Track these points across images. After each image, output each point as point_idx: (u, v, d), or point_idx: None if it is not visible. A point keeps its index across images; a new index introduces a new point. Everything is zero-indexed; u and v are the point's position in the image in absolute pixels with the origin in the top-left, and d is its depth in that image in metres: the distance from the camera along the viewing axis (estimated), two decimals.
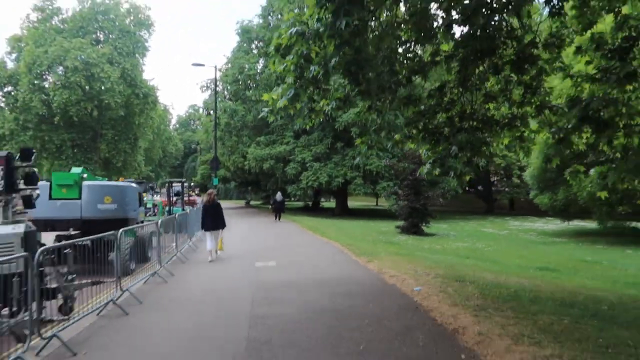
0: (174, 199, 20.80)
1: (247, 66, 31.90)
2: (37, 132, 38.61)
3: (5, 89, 40.17)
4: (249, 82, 32.38)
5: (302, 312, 6.25)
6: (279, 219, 24.02)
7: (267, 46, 32.79)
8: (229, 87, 33.83)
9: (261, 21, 35.17)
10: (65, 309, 5.90)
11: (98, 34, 42.91)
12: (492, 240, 18.68)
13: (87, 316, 5.82)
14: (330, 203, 49.83)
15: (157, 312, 6.41)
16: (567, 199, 19.25)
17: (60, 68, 38.51)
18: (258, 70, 32.90)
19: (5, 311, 5.00)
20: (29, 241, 6.33)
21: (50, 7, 42.02)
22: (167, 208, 19.04)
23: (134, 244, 9.48)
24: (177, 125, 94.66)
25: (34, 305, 4.84)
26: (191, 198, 27.60)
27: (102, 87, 38.22)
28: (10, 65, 41.31)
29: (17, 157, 6.78)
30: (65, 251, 5.91)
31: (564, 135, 6.75)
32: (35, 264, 4.86)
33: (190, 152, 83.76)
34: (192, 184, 41.10)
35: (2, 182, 6.50)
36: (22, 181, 6.87)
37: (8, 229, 6.16)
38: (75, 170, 10.54)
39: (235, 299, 7.06)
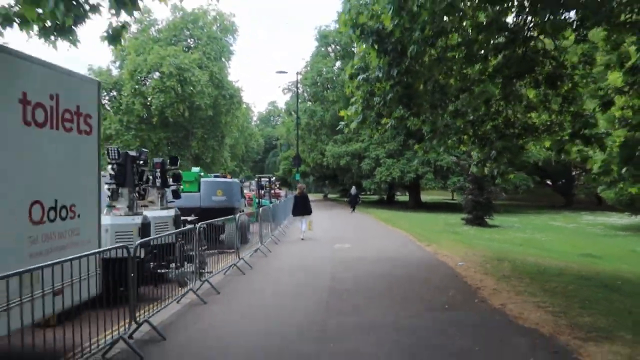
0: (262, 192, 23.82)
1: (324, 69, 34.46)
2: (138, 132, 43.60)
3: (111, 94, 45.82)
4: (326, 84, 34.91)
5: (368, 275, 8.53)
6: (354, 210, 26.49)
7: (344, 50, 35.02)
8: (308, 89, 36.59)
9: (337, 26, 37.51)
10: (200, 269, 8.58)
11: (189, 41, 47.46)
12: (555, 232, 19.72)
13: (216, 275, 8.41)
14: (405, 197, 51.38)
15: (265, 275, 8.97)
16: (631, 193, 19.64)
17: (157, 74, 43.39)
18: (335, 72, 35.30)
19: (173, 265, 7.75)
20: (177, 221, 9.15)
21: (148, 19, 47.22)
22: (257, 200, 22.06)
23: (239, 227, 12.25)
24: (258, 122, 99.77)
25: (196, 262, 7.53)
26: (276, 191, 30.66)
27: (193, 90, 42.40)
28: (114, 72, 47.09)
29: (167, 162, 9.70)
30: (198, 230, 8.49)
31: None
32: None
33: (270, 147, 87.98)
34: (274, 178, 44.57)
35: (159, 180, 9.41)
36: (171, 179, 9.78)
37: (164, 213, 8.97)
38: (195, 169, 13.55)
39: (320, 267, 9.49)
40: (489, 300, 6.48)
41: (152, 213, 8.25)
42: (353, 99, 8.44)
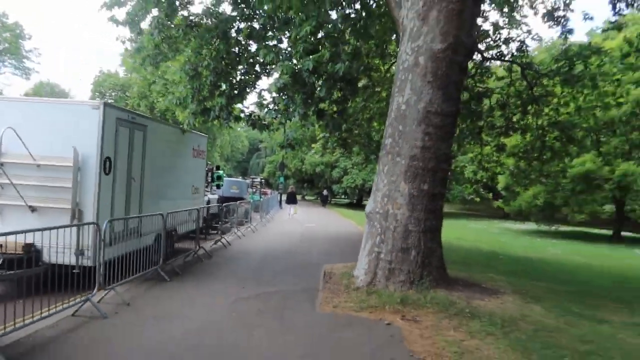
0: (254, 189, 31.30)
1: None
2: None
3: (118, 94, 52.23)
4: None
5: (320, 235, 16.14)
6: (324, 206, 34.30)
7: None
8: None
9: None
10: (222, 233, 16.01)
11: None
12: (462, 229, 27.59)
13: (239, 233, 15.78)
14: None
15: (266, 233, 16.46)
16: (519, 206, 27.72)
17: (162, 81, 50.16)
18: None
19: (218, 225, 15.20)
20: (219, 201, 16.65)
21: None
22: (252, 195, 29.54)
23: (245, 210, 19.71)
24: (244, 124, 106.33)
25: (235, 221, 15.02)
26: (263, 190, 38.06)
27: None
28: (121, 74, 53.53)
29: (214, 168, 17.21)
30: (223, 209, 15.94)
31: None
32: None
33: (255, 149, 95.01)
34: (263, 180, 52.09)
35: (211, 178, 16.85)
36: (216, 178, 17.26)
37: (215, 196, 16.46)
38: (218, 172, 20.96)
39: (296, 232, 17.07)
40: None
41: (211, 195, 15.79)
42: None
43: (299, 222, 21.22)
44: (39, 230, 4.95)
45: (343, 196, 51.60)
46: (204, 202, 13.08)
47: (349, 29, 9.47)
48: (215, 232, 13.72)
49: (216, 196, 16.19)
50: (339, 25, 9.15)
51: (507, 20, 14.39)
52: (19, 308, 4.59)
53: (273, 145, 52.66)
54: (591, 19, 12.95)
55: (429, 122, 7.14)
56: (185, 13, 11.56)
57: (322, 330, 5.46)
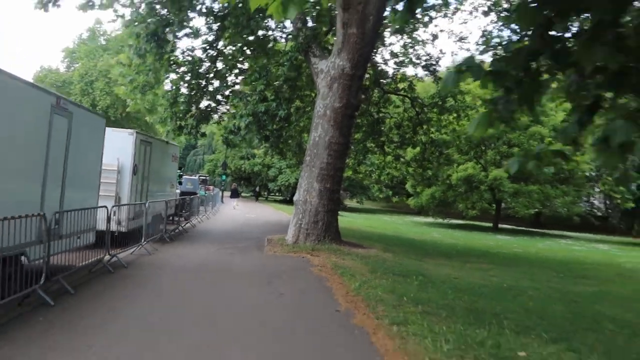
0: (201, 186, 35.54)
1: None
2: None
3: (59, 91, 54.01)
4: None
5: (258, 222, 21.10)
6: (257, 200, 39.23)
7: None
8: None
9: None
10: (182, 221, 20.57)
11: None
12: (372, 220, 33.60)
13: (195, 221, 20.39)
14: None
15: (216, 221, 21.16)
16: (421, 203, 34.39)
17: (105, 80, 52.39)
18: None
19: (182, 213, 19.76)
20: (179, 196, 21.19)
21: (99, 29, 55.89)
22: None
23: (200, 202, 24.23)
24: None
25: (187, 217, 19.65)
26: (207, 187, 42.20)
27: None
28: (61, 70, 54.93)
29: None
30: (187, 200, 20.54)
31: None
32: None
33: (191, 146, 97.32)
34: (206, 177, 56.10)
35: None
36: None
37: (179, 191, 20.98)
38: (179, 172, 25.29)
39: (240, 219, 21.91)
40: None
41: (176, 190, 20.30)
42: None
43: (241, 213, 26.05)
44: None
45: (277, 194, 56.67)
46: (176, 195, 17.66)
47: (287, 85, 14.58)
48: (182, 217, 18.28)
49: (178, 191, 20.65)
50: (282, 83, 14.24)
51: (399, 69, 20.15)
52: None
53: (213, 144, 56.65)
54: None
55: (331, 148, 12.41)
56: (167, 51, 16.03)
57: (268, 259, 10.55)
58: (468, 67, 2.77)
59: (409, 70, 21.24)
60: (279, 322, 5.68)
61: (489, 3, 16.48)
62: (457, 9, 18.66)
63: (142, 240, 10.46)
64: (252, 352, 4.59)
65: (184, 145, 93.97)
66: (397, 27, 16.72)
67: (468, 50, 32.56)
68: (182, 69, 16.06)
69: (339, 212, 15.72)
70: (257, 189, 52.36)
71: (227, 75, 16.03)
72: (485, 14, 16.63)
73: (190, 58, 16.06)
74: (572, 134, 3.23)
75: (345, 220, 25.57)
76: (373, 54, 16.96)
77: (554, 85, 3.23)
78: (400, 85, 20.15)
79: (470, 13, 29.24)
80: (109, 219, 8.46)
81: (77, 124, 7.92)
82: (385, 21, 13.95)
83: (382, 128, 21.12)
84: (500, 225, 36.11)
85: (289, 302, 6.71)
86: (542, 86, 2.95)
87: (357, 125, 18.95)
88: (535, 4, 2.79)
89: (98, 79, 52.04)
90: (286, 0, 2.77)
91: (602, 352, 5.51)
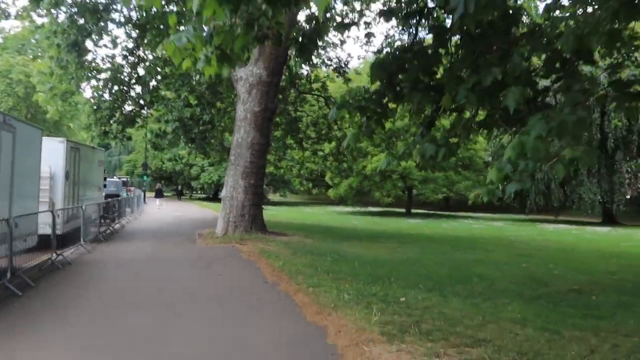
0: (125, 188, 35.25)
1: None
2: None
3: None
4: None
5: (189, 219, 22.02)
6: (179, 199, 39.63)
7: None
8: None
9: None
10: (110, 222, 21.01)
11: (37, 51, 53.65)
12: (294, 212, 35.43)
13: (123, 221, 20.90)
14: None
15: (144, 221, 21.77)
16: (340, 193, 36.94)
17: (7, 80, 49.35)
18: None
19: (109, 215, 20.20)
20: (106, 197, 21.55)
21: None
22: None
23: (124, 203, 24.54)
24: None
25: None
26: (128, 188, 41.68)
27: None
28: None
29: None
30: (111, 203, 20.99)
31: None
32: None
33: (104, 146, 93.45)
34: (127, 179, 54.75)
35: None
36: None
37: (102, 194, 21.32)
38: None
39: (168, 218, 22.65)
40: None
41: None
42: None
43: (167, 212, 26.65)
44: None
45: (200, 192, 56.85)
46: (102, 198, 18.17)
47: (209, 91, 15.75)
48: (109, 219, 18.78)
49: (103, 193, 20.95)
50: (204, 90, 15.40)
51: (313, 70, 21.87)
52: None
53: (130, 145, 55.41)
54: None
55: (253, 148, 13.84)
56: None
57: (202, 250, 11.82)
58: (343, 105, 4.41)
59: (322, 72, 22.87)
60: (220, 292, 7.15)
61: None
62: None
63: (81, 240, 11.28)
64: (204, 311, 6.02)
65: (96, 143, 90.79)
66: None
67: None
68: (103, 75, 16.62)
69: (264, 206, 17.22)
70: (179, 187, 52.98)
71: (149, 80, 16.80)
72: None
73: (110, 65, 16.66)
74: (418, 143, 5.03)
75: (270, 213, 27.05)
76: (288, 58, 18.53)
77: (399, 110, 5.00)
78: (315, 86, 21.89)
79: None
80: (53, 222, 9.33)
81: (20, 138, 8.74)
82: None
83: (300, 126, 22.79)
84: (413, 211, 39.44)
85: (227, 279, 8.17)
86: (389, 114, 4.66)
87: (276, 123, 20.43)
88: (382, 64, 4.49)
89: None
90: (220, 64, 4.20)
91: (464, 296, 7.57)
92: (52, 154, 12.27)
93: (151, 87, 17.27)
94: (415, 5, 4.92)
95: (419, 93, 4.17)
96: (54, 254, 9.20)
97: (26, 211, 8.91)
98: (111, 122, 16.67)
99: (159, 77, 16.79)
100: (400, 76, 4.44)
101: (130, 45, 16.56)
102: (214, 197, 57.17)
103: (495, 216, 39.81)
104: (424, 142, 4.52)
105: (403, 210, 40.40)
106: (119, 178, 35.32)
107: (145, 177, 39.38)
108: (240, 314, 5.97)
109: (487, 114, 4.71)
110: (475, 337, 4.83)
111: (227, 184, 14.18)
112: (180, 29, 4.69)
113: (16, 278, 7.22)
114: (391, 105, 4.65)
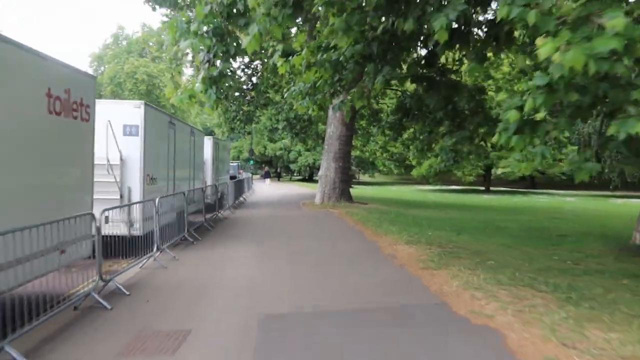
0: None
1: None
2: None
3: None
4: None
5: (293, 194, 27.36)
6: (279, 180, 45.83)
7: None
8: None
9: None
10: (239, 196, 26.85)
11: (154, 53, 62.51)
12: (384, 191, 39.60)
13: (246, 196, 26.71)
14: None
15: (258, 196, 27.48)
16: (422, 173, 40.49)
17: (133, 80, 58.38)
18: None
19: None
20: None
21: (121, 34, 61.86)
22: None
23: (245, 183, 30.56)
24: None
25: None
26: (239, 171, 48.84)
27: (160, 93, 57.67)
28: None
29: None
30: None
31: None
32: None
33: (207, 132, 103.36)
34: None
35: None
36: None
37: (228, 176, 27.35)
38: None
39: (276, 195, 28.19)
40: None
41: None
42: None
43: (273, 190, 32.40)
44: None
45: (296, 174, 63.29)
46: (229, 179, 24.00)
47: None
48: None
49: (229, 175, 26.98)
50: None
51: None
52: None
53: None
54: None
55: (340, 139, 18.47)
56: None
57: (305, 212, 16.76)
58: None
59: None
60: (320, 232, 11.94)
61: None
62: None
63: (228, 205, 16.74)
64: (312, 239, 10.81)
65: (202, 132, 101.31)
66: None
67: None
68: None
69: (352, 185, 21.46)
70: (279, 170, 59.89)
71: (262, 88, 22.07)
72: None
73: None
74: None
75: (358, 190, 31.81)
76: None
77: None
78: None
79: None
80: (210, 195, 14.75)
81: (180, 134, 14.14)
82: None
83: (381, 115, 27.01)
84: (492, 188, 41.94)
85: (324, 226, 12.95)
86: None
87: (361, 115, 24.89)
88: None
89: (125, 80, 58.35)
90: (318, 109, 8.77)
91: (474, 234, 11.62)
92: (205, 146, 17.88)
93: (261, 91, 22.52)
94: None
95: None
96: (217, 213, 14.59)
97: (196, 187, 14.34)
98: (235, 119, 22.21)
99: (269, 83, 21.97)
100: None
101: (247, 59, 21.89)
102: (309, 178, 63.27)
103: (574, 192, 40.98)
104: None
105: (482, 188, 42.95)
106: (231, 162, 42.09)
107: (251, 161, 45.95)
108: (334, 239, 10.67)
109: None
110: (457, 245, 9.07)
111: (322, 166, 19.00)
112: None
113: (200, 224, 12.56)
114: None
